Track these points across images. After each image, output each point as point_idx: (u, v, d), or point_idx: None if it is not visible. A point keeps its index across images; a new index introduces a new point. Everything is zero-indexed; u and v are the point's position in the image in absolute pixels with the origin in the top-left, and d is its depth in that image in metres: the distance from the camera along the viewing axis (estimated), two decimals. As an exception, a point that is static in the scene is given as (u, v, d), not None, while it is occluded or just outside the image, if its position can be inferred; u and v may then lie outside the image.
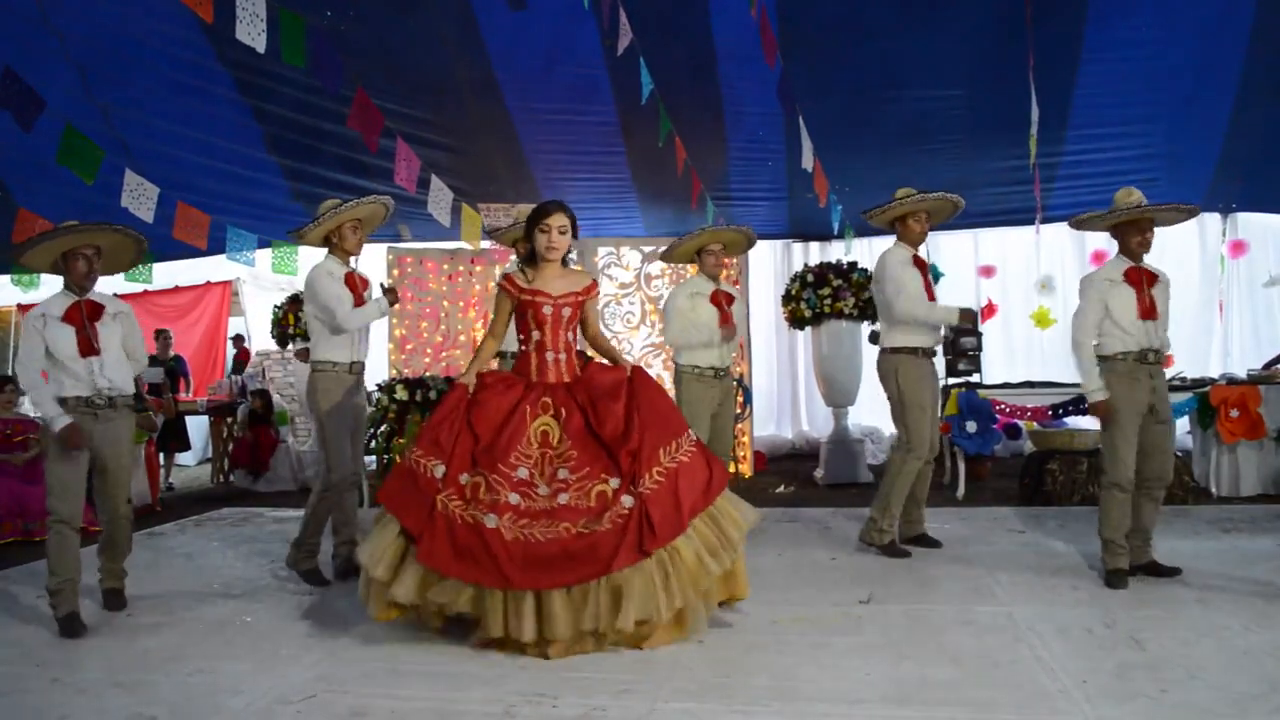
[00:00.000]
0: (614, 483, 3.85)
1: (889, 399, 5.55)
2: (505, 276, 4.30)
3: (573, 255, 4.46)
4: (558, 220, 4.18)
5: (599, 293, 4.31)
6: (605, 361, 4.48)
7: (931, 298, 5.47)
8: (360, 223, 5.32)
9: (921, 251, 5.62)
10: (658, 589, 3.71)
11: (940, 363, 8.75)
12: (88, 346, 4.50)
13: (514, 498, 3.80)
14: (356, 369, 5.35)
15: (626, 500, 3.77)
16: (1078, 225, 5.01)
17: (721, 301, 5.93)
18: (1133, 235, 4.72)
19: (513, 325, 4.35)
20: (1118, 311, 4.68)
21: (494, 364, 4.84)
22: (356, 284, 5.30)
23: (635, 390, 4.11)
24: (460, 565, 3.73)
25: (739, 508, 4.08)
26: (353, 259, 5.38)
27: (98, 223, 4.53)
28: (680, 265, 9.20)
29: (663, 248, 9.43)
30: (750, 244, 6.37)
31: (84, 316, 4.52)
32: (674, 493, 3.83)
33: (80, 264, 4.48)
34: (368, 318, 5.26)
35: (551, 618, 3.70)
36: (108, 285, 10.66)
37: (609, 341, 4.43)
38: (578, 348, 4.41)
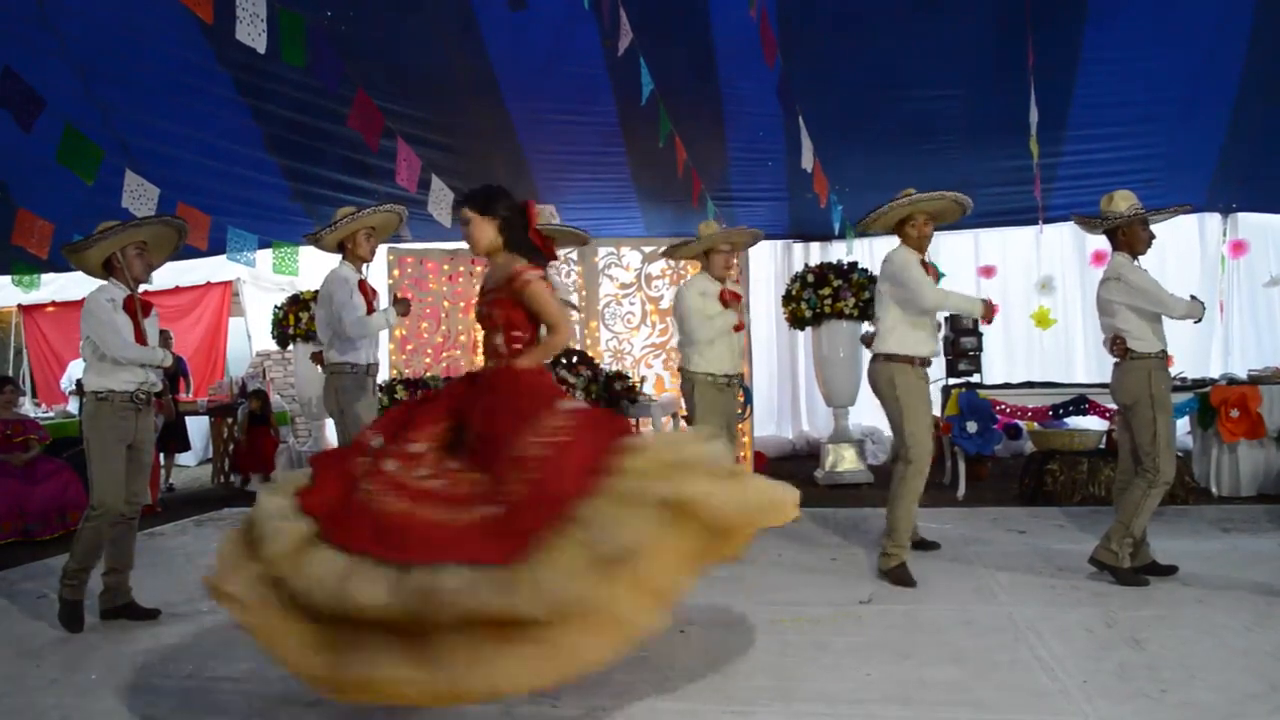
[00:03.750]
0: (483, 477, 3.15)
1: (885, 407, 5.19)
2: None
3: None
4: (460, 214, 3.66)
5: (525, 281, 3.46)
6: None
7: None
8: (374, 230, 5.49)
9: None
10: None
11: (941, 363, 8.80)
12: (141, 340, 4.62)
13: (391, 465, 3.20)
14: (373, 371, 5.50)
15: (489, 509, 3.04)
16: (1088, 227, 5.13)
17: (728, 300, 5.80)
18: (1145, 233, 4.89)
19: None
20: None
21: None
22: (368, 292, 5.42)
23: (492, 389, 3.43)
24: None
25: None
26: (365, 266, 5.49)
27: (144, 217, 4.77)
28: (680, 264, 9.22)
29: (664, 247, 9.49)
30: (754, 241, 6.39)
31: (138, 310, 4.65)
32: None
33: (137, 259, 4.64)
34: (375, 327, 5.36)
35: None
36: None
37: (554, 344, 3.60)
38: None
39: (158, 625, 4.54)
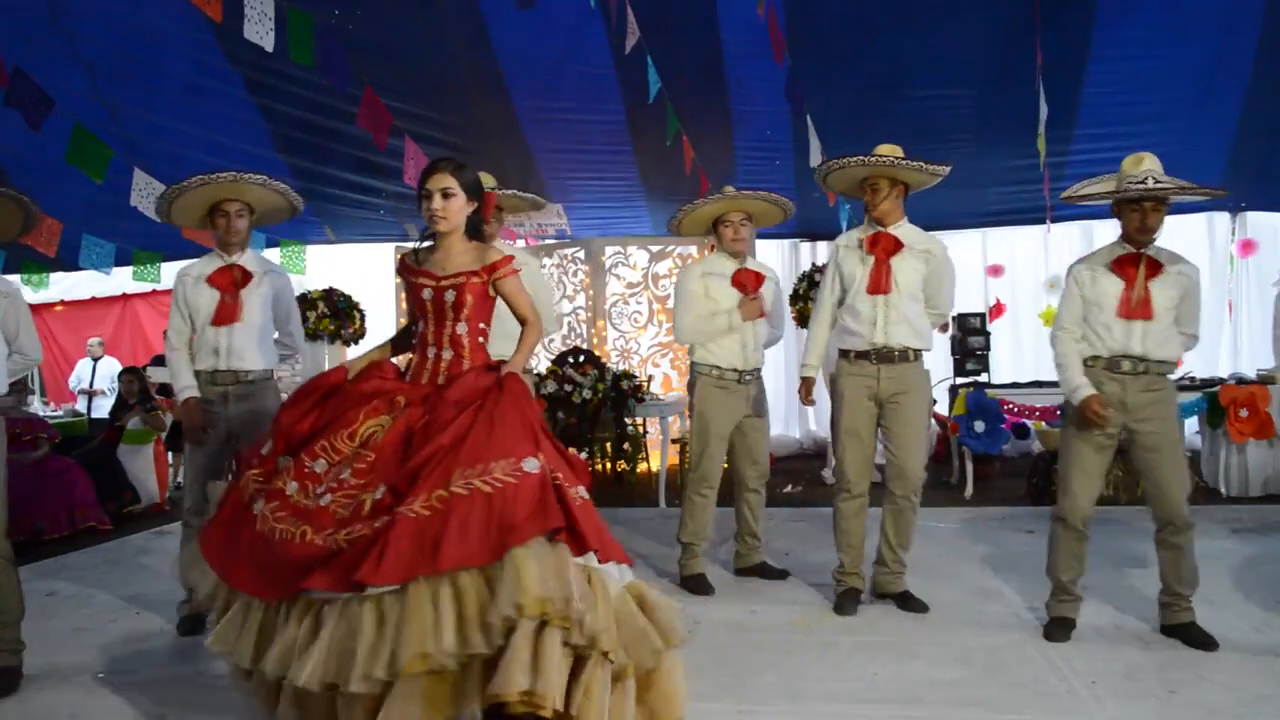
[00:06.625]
0: (379, 491, 2.84)
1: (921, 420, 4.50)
2: (400, 256, 3.45)
3: (512, 243, 3.39)
4: (438, 182, 3.23)
5: (514, 271, 3.34)
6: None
7: None
8: (247, 208, 4.51)
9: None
10: (361, 645, 2.55)
11: (948, 362, 8.80)
12: None
13: (291, 486, 2.94)
14: (223, 379, 4.44)
15: (381, 521, 2.73)
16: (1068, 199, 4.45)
17: (747, 284, 4.89)
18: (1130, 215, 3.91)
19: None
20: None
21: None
22: (232, 281, 4.45)
23: (484, 400, 2.99)
24: (213, 551, 3.00)
25: (552, 575, 2.61)
26: (235, 252, 4.52)
27: None
28: (689, 262, 9.20)
29: (671, 245, 9.50)
30: (786, 215, 5.14)
31: None
32: (442, 525, 2.65)
33: None
34: (171, 367, 4.49)
35: (226, 628, 2.86)
36: (118, 282, 10.57)
37: (534, 338, 3.39)
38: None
39: (167, 623, 4.54)
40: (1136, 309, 3.85)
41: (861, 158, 4.35)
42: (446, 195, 3.23)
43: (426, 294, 3.26)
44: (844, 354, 4.45)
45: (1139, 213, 3.84)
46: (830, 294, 4.54)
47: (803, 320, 8.84)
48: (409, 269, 3.35)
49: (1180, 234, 9.26)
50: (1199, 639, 3.79)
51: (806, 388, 4.65)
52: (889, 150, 4.39)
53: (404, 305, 9.89)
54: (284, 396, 10.46)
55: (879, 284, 4.31)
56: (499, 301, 3.43)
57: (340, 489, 2.88)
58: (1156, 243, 3.96)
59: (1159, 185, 3.79)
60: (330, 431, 3.06)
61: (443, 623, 2.54)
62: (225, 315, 4.36)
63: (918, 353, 4.40)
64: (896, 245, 4.35)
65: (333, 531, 2.76)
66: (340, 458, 3.00)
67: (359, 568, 2.59)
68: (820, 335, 4.60)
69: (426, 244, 3.39)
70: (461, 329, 3.26)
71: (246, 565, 2.86)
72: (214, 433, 4.39)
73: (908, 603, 4.42)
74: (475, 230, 3.37)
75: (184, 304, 4.41)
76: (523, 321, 3.41)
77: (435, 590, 2.60)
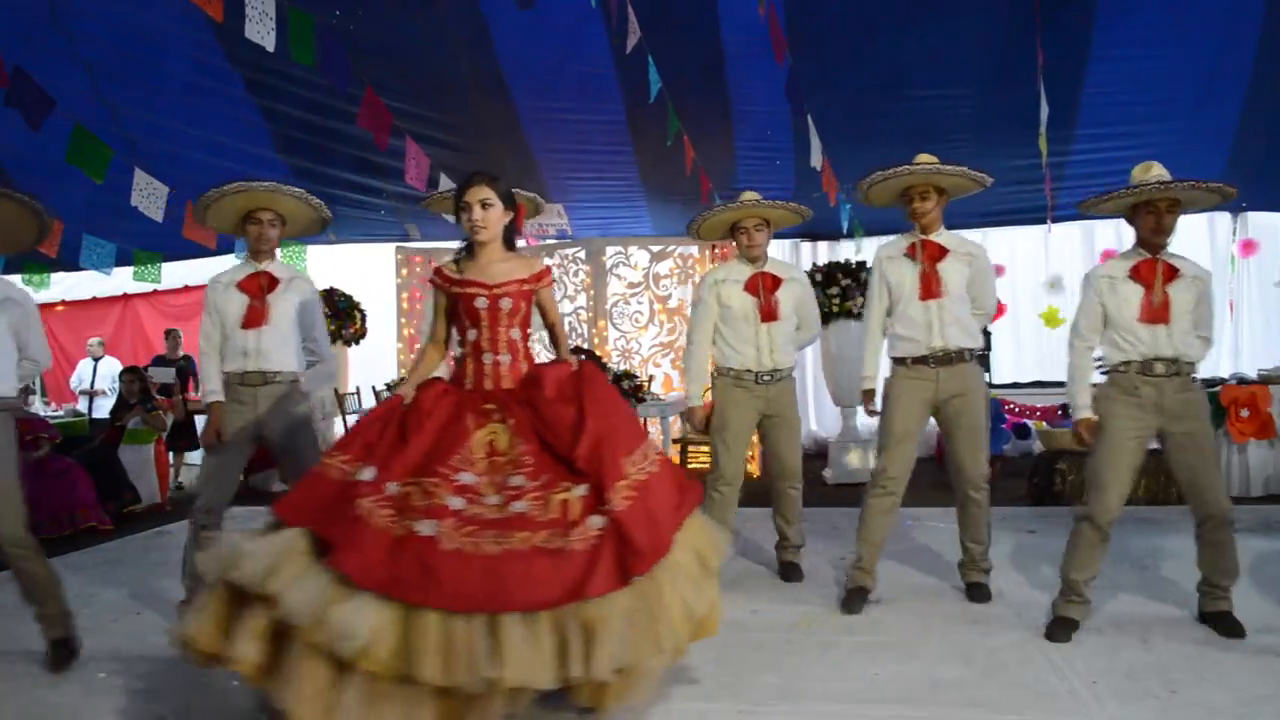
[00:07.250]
0: (578, 490, 3.00)
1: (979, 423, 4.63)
2: (435, 268, 3.57)
3: (521, 242, 3.81)
4: (477, 193, 3.39)
5: (552, 281, 3.61)
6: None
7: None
8: (279, 218, 4.54)
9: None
10: (644, 628, 2.86)
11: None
12: None
13: (456, 502, 2.93)
14: (252, 380, 4.51)
15: (595, 520, 2.92)
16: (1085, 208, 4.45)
17: (761, 287, 4.94)
18: (1145, 218, 3.98)
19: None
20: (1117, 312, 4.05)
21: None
22: (259, 287, 4.52)
23: (584, 389, 3.28)
24: (392, 580, 2.75)
25: (710, 530, 3.29)
26: (265, 260, 4.59)
27: None
28: (689, 262, 9.21)
29: (672, 246, 9.50)
30: (802, 219, 5.25)
31: None
32: (648, 510, 3.01)
33: None
34: (201, 370, 4.66)
35: (506, 654, 2.67)
36: (118, 282, 10.59)
37: (566, 337, 3.79)
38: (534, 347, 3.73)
39: (167, 623, 4.54)
40: (1157, 312, 3.93)
41: (909, 167, 4.51)
42: (485, 206, 3.40)
43: (480, 302, 3.40)
44: (899, 360, 4.54)
45: (1154, 214, 3.94)
46: (879, 303, 4.63)
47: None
48: (451, 280, 3.47)
49: (1181, 234, 9.14)
50: (1228, 627, 3.92)
51: (868, 399, 4.85)
52: (927, 159, 4.53)
53: (406, 307, 9.90)
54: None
55: (930, 289, 4.43)
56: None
57: (523, 494, 3.01)
58: (1168, 248, 4.05)
59: (1173, 180, 3.89)
60: (449, 448, 3.11)
61: (682, 589, 3.02)
62: (254, 319, 4.48)
63: (972, 353, 4.52)
64: (941, 251, 4.48)
65: (558, 533, 2.90)
66: (482, 468, 3.10)
67: (625, 563, 2.87)
68: (875, 346, 4.71)
69: (464, 253, 3.51)
70: (515, 334, 3.46)
71: (458, 582, 2.74)
72: (238, 433, 4.49)
73: (975, 593, 4.62)
74: (510, 238, 3.53)
75: (214, 309, 4.54)
76: (552, 325, 3.72)
77: (666, 566, 3.00)
